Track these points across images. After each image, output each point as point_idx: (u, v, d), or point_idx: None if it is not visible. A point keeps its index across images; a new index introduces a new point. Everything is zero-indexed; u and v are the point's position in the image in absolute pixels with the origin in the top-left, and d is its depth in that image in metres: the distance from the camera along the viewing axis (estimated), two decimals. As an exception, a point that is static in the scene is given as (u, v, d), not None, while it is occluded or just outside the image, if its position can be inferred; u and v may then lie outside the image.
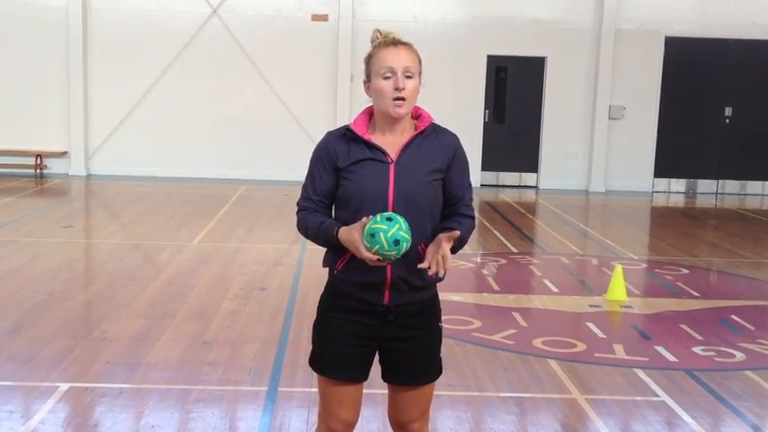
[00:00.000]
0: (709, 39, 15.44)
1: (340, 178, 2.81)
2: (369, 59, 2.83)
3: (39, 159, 14.79)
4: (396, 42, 2.80)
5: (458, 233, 2.73)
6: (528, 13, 15.30)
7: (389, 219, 2.64)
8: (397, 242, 2.62)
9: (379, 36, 2.83)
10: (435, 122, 2.88)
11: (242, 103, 15.08)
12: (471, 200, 2.93)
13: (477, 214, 3.07)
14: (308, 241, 2.89)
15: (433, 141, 2.83)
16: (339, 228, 2.74)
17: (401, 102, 2.75)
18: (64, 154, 15.05)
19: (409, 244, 2.65)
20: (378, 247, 2.63)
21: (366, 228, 2.64)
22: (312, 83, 15.14)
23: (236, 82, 15.04)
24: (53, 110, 14.91)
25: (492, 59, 15.39)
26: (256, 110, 15.09)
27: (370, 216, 2.66)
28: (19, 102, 14.83)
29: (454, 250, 2.79)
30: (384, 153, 2.78)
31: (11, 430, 4.18)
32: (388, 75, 2.75)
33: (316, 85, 15.13)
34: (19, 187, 13.30)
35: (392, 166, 2.76)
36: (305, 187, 2.89)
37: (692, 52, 15.53)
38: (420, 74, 2.83)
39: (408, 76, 2.76)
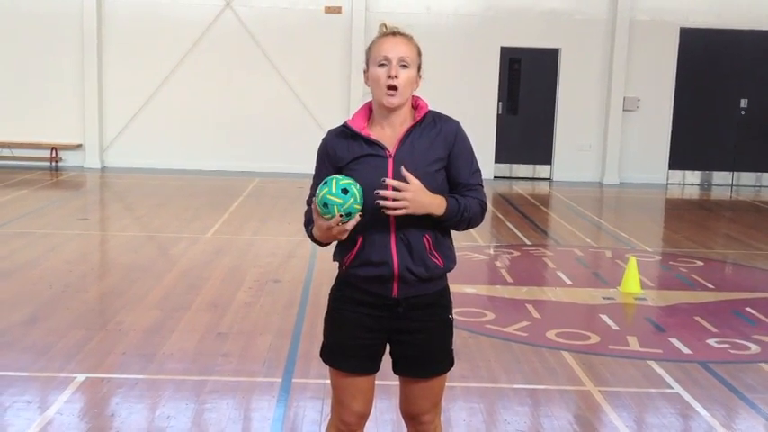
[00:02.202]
0: (724, 30, 15.34)
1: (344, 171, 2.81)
2: (369, 49, 2.85)
3: (54, 152, 14.88)
4: (395, 33, 2.81)
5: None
6: (541, 5, 15.24)
7: (324, 183, 2.67)
8: (325, 205, 2.63)
9: (384, 29, 2.84)
10: (433, 110, 2.86)
11: (255, 96, 15.10)
12: (480, 185, 2.86)
13: (490, 205, 3.08)
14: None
15: (432, 130, 2.81)
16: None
17: (393, 91, 2.74)
18: (79, 147, 15.13)
19: (346, 203, 2.62)
20: (322, 213, 2.66)
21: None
22: (325, 75, 15.14)
23: (249, 75, 15.06)
24: (68, 103, 14.99)
25: (505, 51, 15.35)
26: (270, 102, 15.11)
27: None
28: (34, 95, 14.91)
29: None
30: (382, 147, 2.77)
31: (28, 420, 4.22)
32: (384, 63, 2.76)
33: (329, 78, 15.14)
34: (34, 180, 13.38)
35: (391, 160, 2.75)
36: (311, 185, 2.90)
37: (707, 43, 15.43)
38: (419, 66, 2.83)
39: (404, 66, 2.76)
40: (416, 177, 2.70)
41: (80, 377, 4.79)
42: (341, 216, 2.63)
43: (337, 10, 15.04)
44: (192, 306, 6.35)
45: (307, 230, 2.87)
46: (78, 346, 5.33)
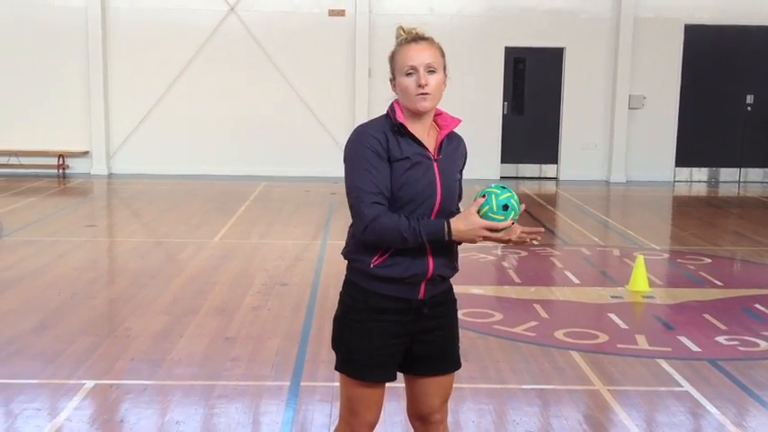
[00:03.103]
0: (729, 26, 15.29)
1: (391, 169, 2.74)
2: (392, 57, 2.83)
3: (61, 159, 14.92)
4: (416, 39, 2.80)
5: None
6: (545, 4, 15.22)
7: (503, 188, 2.73)
8: (505, 207, 2.68)
9: (402, 33, 2.82)
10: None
11: (260, 100, 15.12)
12: None
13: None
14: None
15: (453, 142, 2.89)
16: (446, 222, 2.68)
17: (425, 95, 2.75)
18: (85, 154, 15.17)
19: (518, 213, 2.71)
20: (486, 208, 2.68)
21: (487, 205, 2.68)
22: (330, 78, 15.15)
23: (254, 79, 15.08)
24: (74, 110, 15.03)
25: (510, 51, 15.33)
26: (275, 106, 15.12)
27: (479, 200, 2.70)
28: (40, 103, 14.96)
29: None
30: (427, 150, 2.79)
31: (38, 427, 4.24)
32: (411, 72, 2.76)
33: (334, 81, 15.15)
34: (42, 187, 13.43)
35: (436, 164, 2.79)
36: (365, 188, 2.68)
37: (712, 40, 15.38)
38: (444, 67, 2.84)
39: (431, 71, 2.77)
40: (450, 183, 2.81)
41: (89, 383, 4.81)
42: (512, 222, 2.71)
43: (341, 13, 15.06)
44: (200, 311, 6.36)
45: (409, 231, 2.67)
46: (87, 352, 5.35)
